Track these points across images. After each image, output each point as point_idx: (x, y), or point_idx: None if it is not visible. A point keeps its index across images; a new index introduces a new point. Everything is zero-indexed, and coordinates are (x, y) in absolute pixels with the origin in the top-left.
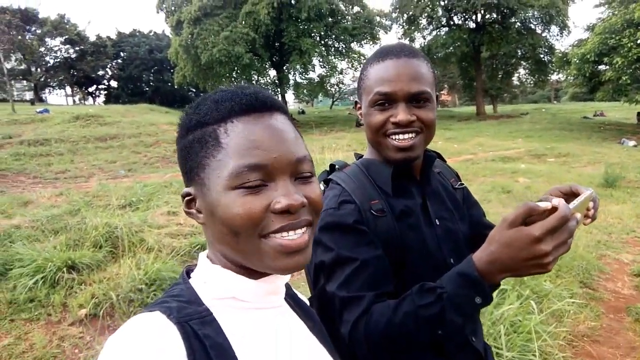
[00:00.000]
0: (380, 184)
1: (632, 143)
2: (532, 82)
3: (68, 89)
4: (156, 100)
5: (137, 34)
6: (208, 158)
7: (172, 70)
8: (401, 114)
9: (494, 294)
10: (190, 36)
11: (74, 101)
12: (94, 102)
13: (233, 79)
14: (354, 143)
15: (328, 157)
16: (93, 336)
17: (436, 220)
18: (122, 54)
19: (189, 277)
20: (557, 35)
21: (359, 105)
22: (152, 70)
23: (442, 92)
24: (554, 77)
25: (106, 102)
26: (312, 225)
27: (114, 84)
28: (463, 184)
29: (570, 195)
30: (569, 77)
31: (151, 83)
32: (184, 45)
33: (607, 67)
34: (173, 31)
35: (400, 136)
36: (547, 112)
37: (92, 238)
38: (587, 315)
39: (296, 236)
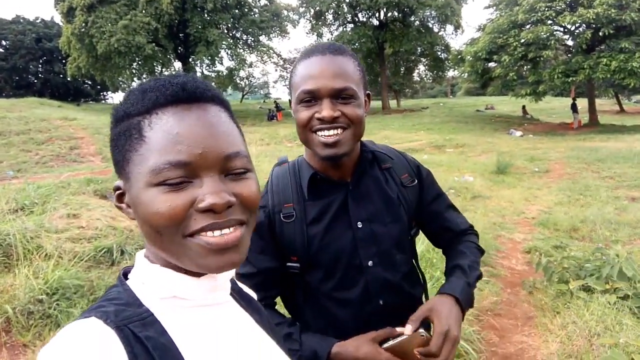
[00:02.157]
0: (303, 185)
1: (518, 133)
2: (430, 77)
3: None
4: (46, 93)
5: (22, 20)
6: (131, 152)
7: (64, 61)
8: (325, 109)
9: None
10: (84, 24)
11: None
12: None
13: (134, 71)
14: (266, 137)
15: None
16: None
17: (358, 222)
18: (3, 42)
19: (126, 279)
20: (452, 34)
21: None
22: (41, 61)
23: None
24: (450, 73)
25: None
26: (245, 224)
27: None
28: (415, 180)
29: (424, 321)
30: (463, 74)
31: (40, 75)
32: (77, 34)
33: (497, 64)
34: (64, 18)
35: (326, 132)
36: (444, 106)
37: None
38: (489, 291)
39: (222, 234)
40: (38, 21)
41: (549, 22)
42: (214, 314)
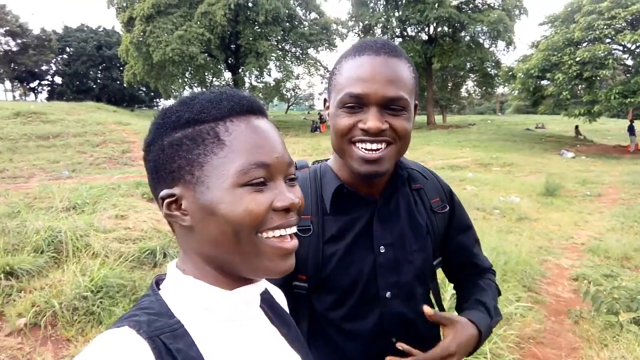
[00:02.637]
0: (325, 197)
1: (570, 154)
2: (479, 94)
3: (8, 84)
4: (103, 98)
5: (85, 29)
6: (208, 155)
7: (121, 68)
8: (372, 120)
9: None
10: (142, 34)
11: (13, 97)
12: (36, 98)
13: (186, 80)
14: (309, 149)
15: None
16: (33, 347)
17: (381, 247)
18: (68, 49)
19: (159, 288)
20: (504, 50)
21: (327, 104)
22: (100, 67)
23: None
24: (499, 90)
25: (49, 98)
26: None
27: (58, 80)
28: (447, 206)
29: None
30: (514, 91)
31: (99, 80)
32: (135, 43)
33: (549, 82)
34: (124, 28)
35: (368, 145)
36: (492, 123)
37: (32, 242)
38: (532, 318)
39: (291, 237)
40: (100, 30)
41: (608, 40)
42: (243, 329)
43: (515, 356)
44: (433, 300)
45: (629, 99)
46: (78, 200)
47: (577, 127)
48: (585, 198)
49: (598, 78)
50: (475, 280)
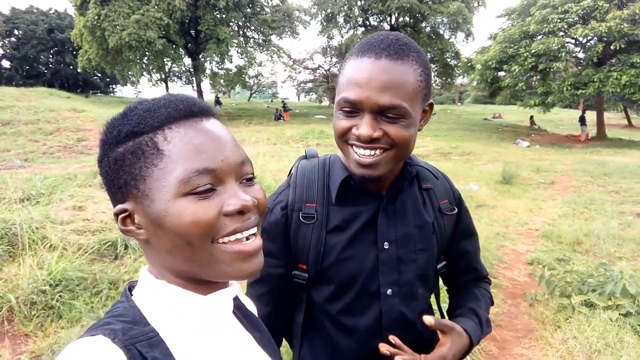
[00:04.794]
0: (331, 187)
1: (525, 144)
2: (439, 84)
3: None
4: (56, 84)
5: (35, 10)
6: (149, 168)
7: (75, 53)
8: (364, 127)
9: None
10: (96, 17)
11: None
12: None
13: (144, 65)
14: (272, 137)
15: (247, 151)
16: None
17: (385, 243)
18: (16, 31)
19: (131, 294)
20: (463, 41)
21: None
22: (52, 52)
23: None
24: (459, 80)
25: None
26: (259, 225)
27: (6, 64)
28: (455, 209)
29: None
30: (472, 81)
31: (50, 65)
32: (89, 27)
33: (506, 73)
34: (77, 11)
35: (362, 151)
36: (452, 113)
37: None
38: None
39: (250, 238)
40: (51, 12)
41: (561, 34)
42: (218, 334)
43: None
44: (434, 304)
45: (580, 91)
46: (32, 190)
47: (532, 117)
48: (540, 186)
49: (552, 70)
50: (471, 287)
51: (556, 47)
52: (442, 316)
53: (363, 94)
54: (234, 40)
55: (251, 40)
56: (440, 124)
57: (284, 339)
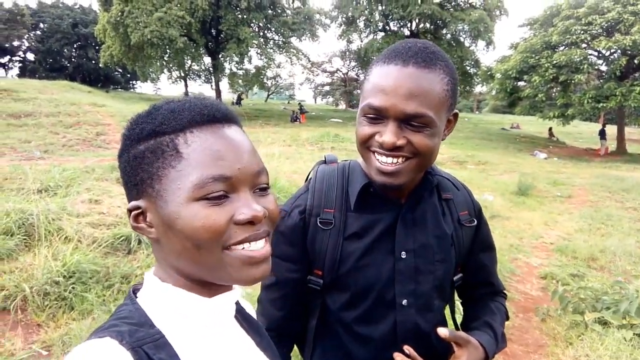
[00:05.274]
0: (350, 193)
1: (543, 155)
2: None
3: None
4: (77, 78)
5: (61, 5)
6: (166, 169)
7: (97, 48)
8: (387, 134)
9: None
10: (120, 13)
11: None
12: (6, 74)
13: (165, 63)
14: (288, 139)
15: (263, 152)
16: (2, 331)
17: (402, 252)
18: (41, 25)
19: (136, 297)
20: (484, 49)
21: None
22: (75, 46)
23: None
24: (477, 88)
25: (21, 75)
26: (269, 235)
27: (30, 56)
28: (474, 221)
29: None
30: (491, 91)
31: (73, 59)
32: (112, 23)
33: (526, 84)
34: (101, 6)
35: (384, 159)
36: (469, 121)
37: (2, 224)
38: None
39: (259, 246)
40: (76, 7)
41: (584, 45)
42: (221, 336)
43: None
44: (449, 316)
45: (601, 104)
46: (50, 182)
47: (550, 129)
48: (556, 199)
49: (573, 82)
50: (487, 301)
51: (578, 59)
52: (457, 328)
53: (389, 101)
54: (254, 41)
55: (271, 42)
56: (457, 132)
57: (294, 345)
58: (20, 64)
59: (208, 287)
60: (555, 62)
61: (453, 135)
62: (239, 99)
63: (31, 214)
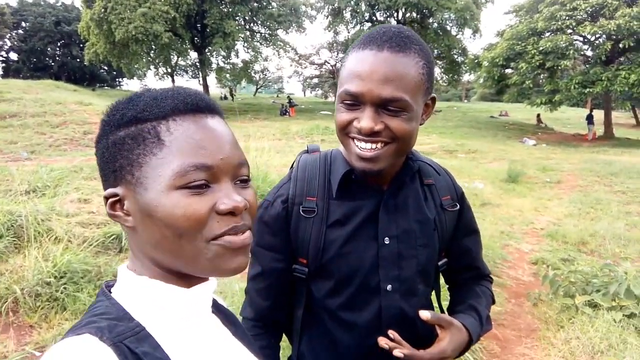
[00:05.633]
0: (332, 181)
1: (532, 142)
2: (446, 81)
3: None
4: (62, 76)
5: (42, 3)
6: (147, 156)
7: (81, 45)
8: (365, 120)
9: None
10: (103, 10)
11: None
12: None
13: (150, 59)
14: (278, 133)
15: (253, 146)
16: None
17: (385, 238)
18: (23, 23)
19: (110, 292)
20: (470, 37)
21: None
22: (59, 44)
23: None
24: (465, 77)
25: (4, 75)
26: (250, 229)
27: (13, 56)
28: (457, 205)
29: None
30: (479, 79)
31: (57, 58)
32: (96, 19)
33: (513, 71)
34: (84, 3)
35: (363, 144)
36: (458, 110)
37: None
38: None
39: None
40: (58, 4)
41: (569, 31)
42: (200, 327)
43: None
44: (435, 301)
45: (588, 89)
46: (38, 183)
47: (538, 115)
48: (545, 185)
49: (559, 68)
50: (472, 285)
51: (564, 45)
52: (443, 313)
53: (365, 87)
54: (240, 35)
55: (257, 35)
56: (446, 121)
57: (283, 334)
58: (4, 64)
59: (185, 278)
60: (541, 48)
61: (442, 125)
62: (231, 93)
63: (20, 215)
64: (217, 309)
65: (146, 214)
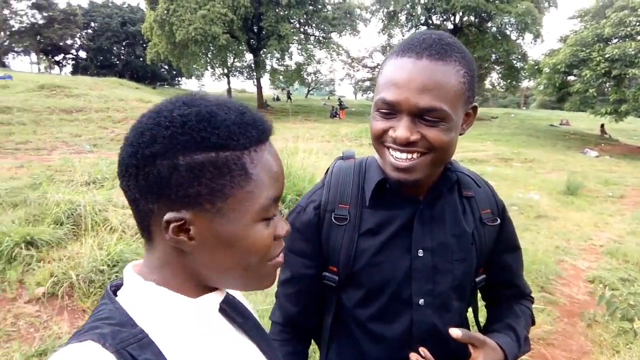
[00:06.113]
0: (366, 189)
1: (594, 153)
2: (503, 86)
3: (33, 56)
4: (126, 74)
5: (110, 4)
6: (234, 188)
7: (144, 45)
8: (401, 129)
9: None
10: (165, 12)
11: (39, 69)
12: (60, 71)
13: (208, 60)
14: (327, 135)
15: (301, 147)
16: (50, 315)
17: (419, 250)
18: (92, 24)
19: (116, 295)
20: (531, 43)
21: None
22: (124, 44)
23: None
24: (524, 83)
25: (73, 72)
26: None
27: (82, 54)
28: (497, 220)
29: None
30: (539, 85)
31: (122, 57)
32: (158, 21)
33: (576, 78)
34: (148, 5)
35: (398, 154)
36: (515, 117)
37: (53, 214)
38: (544, 319)
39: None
40: (125, 6)
41: (639, 37)
42: (205, 335)
43: (523, 356)
44: (471, 318)
45: None
46: (98, 175)
47: (602, 125)
48: (607, 199)
49: (627, 76)
50: (511, 303)
51: (633, 52)
52: (480, 332)
53: (401, 95)
54: (294, 37)
55: (311, 38)
56: (502, 129)
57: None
58: (74, 62)
59: (199, 287)
60: (607, 55)
61: (498, 132)
62: (288, 95)
63: (79, 205)
64: (234, 309)
65: (224, 244)
